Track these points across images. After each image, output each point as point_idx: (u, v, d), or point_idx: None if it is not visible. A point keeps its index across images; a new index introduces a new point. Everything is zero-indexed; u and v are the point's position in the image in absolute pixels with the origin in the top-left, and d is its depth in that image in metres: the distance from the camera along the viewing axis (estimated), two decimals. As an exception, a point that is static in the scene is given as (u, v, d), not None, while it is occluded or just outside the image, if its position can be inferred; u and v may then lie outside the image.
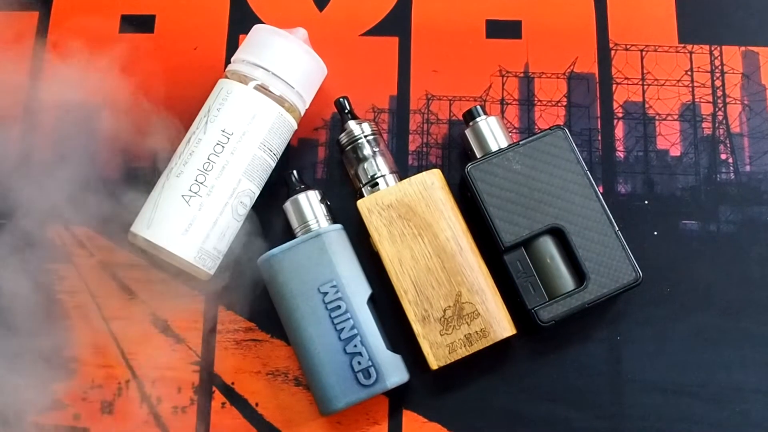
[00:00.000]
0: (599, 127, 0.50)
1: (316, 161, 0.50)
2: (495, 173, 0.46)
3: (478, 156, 0.47)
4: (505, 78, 0.51)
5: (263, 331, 0.48)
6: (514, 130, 0.50)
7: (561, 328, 0.46)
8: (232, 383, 0.47)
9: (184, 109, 0.49)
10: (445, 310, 0.45)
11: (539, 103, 0.51)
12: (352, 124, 0.48)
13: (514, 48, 0.52)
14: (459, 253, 0.45)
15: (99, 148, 0.51)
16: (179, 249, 0.44)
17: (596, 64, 0.51)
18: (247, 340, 0.48)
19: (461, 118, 0.50)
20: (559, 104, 0.51)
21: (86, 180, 0.50)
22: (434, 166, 0.50)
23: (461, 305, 0.45)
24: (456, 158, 0.50)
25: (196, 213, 0.44)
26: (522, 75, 0.51)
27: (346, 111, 0.48)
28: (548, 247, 0.46)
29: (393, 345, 0.45)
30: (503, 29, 0.52)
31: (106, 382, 0.48)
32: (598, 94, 0.51)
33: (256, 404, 0.47)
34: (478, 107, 0.48)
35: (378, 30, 0.52)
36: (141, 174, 0.50)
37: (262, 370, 0.47)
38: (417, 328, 0.44)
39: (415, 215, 0.45)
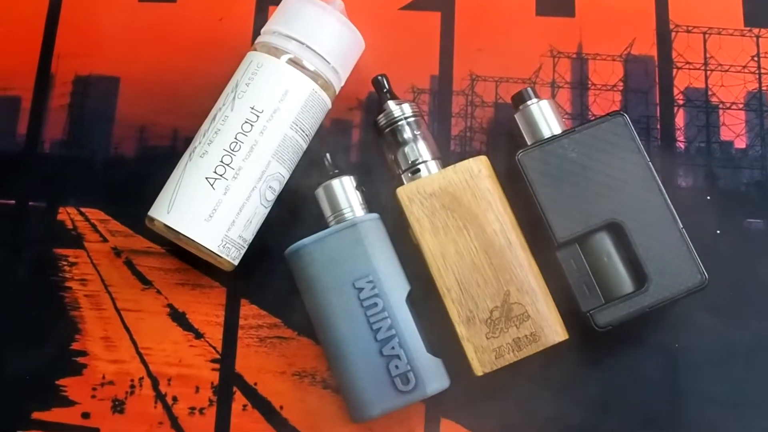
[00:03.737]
0: (658, 114, 0.45)
1: (350, 144, 0.45)
2: (548, 162, 0.41)
3: (529, 143, 0.42)
4: (556, 59, 0.46)
5: (290, 328, 0.43)
6: (566, 116, 0.45)
7: (614, 333, 0.41)
8: (255, 384, 0.42)
9: (208, 83, 0.43)
10: (491, 311, 0.39)
11: (593, 87, 0.45)
12: (391, 105, 0.42)
13: (567, 26, 0.46)
14: (508, 249, 0.40)
15: (116, 125, 0.45)
16: (202, 237, 0.39)
17: (655, 47, 0.46)
18: (272, 337, 0.43)
19: (508, 101, 0.44)
20: (615, 89, 0.45)
21: (101, 159, 0.45)
22: (478, 153, 0.44)
23: (510, 306, 0.39)
24: (502, 145, 0.45)
25: (221, 197, 0.39)
26: (575, 56, 0.46)
27: (385, 90, 0.43)
28: (605, 244, 0.41)
29: (433, 348, 0.40)
30: (555, 6, 0.46)
31: (118, 378, 0.42)
32: (657, 79, 0.45)
33: (281, 407, 0.42)
34: (529, 89, 0.43)
35: (419, 4, 0.47)
36: (160, 153, 0.45)
37: (287, 370, 0.42)
38: (461, 330, 0.39)
39: (459, 206, 0.40)
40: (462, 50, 0.46)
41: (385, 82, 0.43)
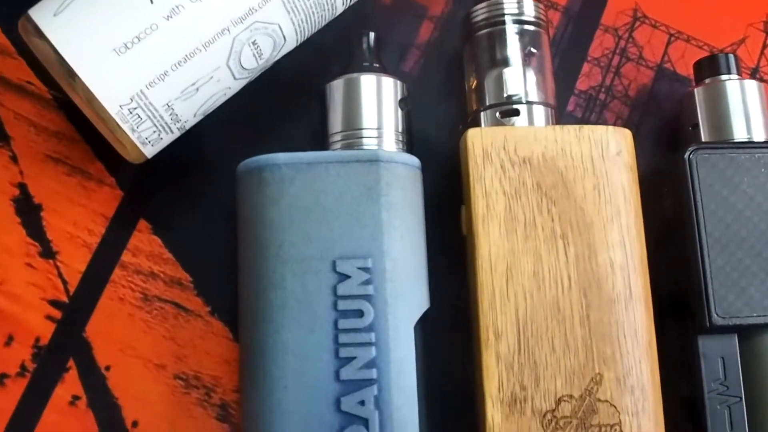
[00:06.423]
0: None
1: (412, 41, 0.26)
2: (735, 181, 0.22)
3: (708, 138, 0.23)
4: (772, 36, 0.27)
5: (201, 297, 0.24)
6: (760, 126, 0.26)
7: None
8: (107, 368, 0.23)
9: None
10: (559, 401, 0.21)
11: (814, 99, 0.27)
12: (506, -6, 0.24)
13: (803, -5, 0.28)
14: (623, 302, 0.21)
15: None
16: (95, 78, 0.20)
17: None
18: (165, 301, 0.24)
19: (681, 69, 0.26)
20: None
21: None
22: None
23: (593, 403, 0.21)
24: (650, 130, 0.26)
25: (160, 23, 0.20)
26: (801, 43, 0.27)
27: (502, -30, 0.24)
28: (782, 353, 0.22)
29: (428, 417, 0.21)
30: (794, -42, 0.28)
31: None
32: None
33: (134, 424, 0.23)
34: (732, 57, 0.24)
35: None
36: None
37: (169, 365, 0.23)
38: (492, 415, 0.20)
39: (567, 197, 0.21)
40: (634, -33, 0.27)
41: (508, -43, 0.24)
